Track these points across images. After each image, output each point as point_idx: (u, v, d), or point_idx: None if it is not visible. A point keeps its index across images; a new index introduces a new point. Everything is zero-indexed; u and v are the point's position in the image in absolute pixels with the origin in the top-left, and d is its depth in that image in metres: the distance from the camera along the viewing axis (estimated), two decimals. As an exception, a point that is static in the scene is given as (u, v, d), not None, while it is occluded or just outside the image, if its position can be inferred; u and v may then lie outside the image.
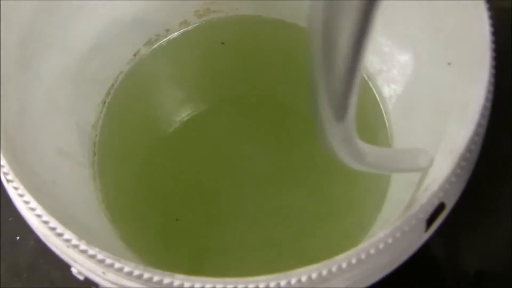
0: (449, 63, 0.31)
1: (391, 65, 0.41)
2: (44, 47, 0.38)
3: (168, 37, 0.47)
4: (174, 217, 0.42)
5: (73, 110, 0.41)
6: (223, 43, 0.47)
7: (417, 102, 0.37)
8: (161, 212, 0.42)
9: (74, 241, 0.25)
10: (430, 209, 0.26)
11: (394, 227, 0.25)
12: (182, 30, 0.47)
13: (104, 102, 0.44)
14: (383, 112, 0.43)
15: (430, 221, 0.27)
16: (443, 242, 0.40)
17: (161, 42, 0.47)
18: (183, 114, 0.46)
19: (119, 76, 0.45)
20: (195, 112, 0.46)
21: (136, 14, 0.44)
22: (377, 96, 0.44)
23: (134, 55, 0.46)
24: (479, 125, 0.26)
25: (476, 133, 0.26)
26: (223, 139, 0.44)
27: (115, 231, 0.40)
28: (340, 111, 0.23)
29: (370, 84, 0.44)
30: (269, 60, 0.47)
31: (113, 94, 0.45)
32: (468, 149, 0.26)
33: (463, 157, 0.26)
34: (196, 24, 0.48)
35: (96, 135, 0.43)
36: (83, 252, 0.24)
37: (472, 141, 0.26)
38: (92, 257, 0.24)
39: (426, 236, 0.27)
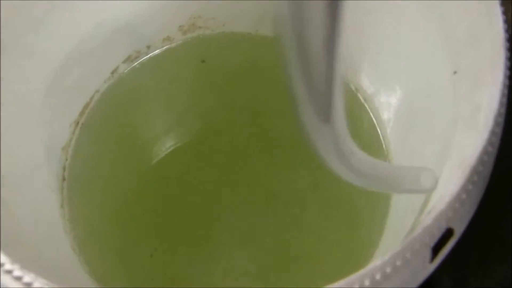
0: (455, 72, 0.28)
1: (390, 84, 0.38)
2: (10, 54, 0.34)
3: (149, 54, 0.44)
4: (149, 253, 0.38)
5: (42, 127, 0.37)
6: (203, 61, 0.44)
7: (418, 119, 0.34)
8: (135, 245, 0.38)
9: (8, 266, 0.21)
10: (436, 233, 0.22)
11: (393, 253, 0.21)
12: (165, 47, 0.44)
13: (77, 123, 0.41)
14: (381, 137, 0.40)
15: (436, 248, 0.22)
16: (451, 278, 0.36)
17: (141, 59, 0.44)
18: (165, 140, 0.42)
19: (95, 95, 0.42)
20: (179, 138, 0.42)
21: (115, 27, 0.41)
22: (374, 119, 0.40)
23: (112, 72, 0.42)
24: (492, 133, 0.22)
25: (489, 142, 0.22)
26: (209, 167, 0.41)
27: (83, 265, 0.36)
28: (325, 108, 0.19)
29: (367, 107, 0.41)
30: (260, 79, 0.43)
31: (87, 115, 0.41)
32: (480, 161, 0.22)
33: (475, 170, 0.22)
34: (180, 42, 0.44)
35: (66, 158, 0.40)
36: (18, 279, 0.20)
37: (485, 152, 0.22)
38: (28, 285, 0.20)
39: (431, 267, 0.23)
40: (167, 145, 0.42)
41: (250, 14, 0.43)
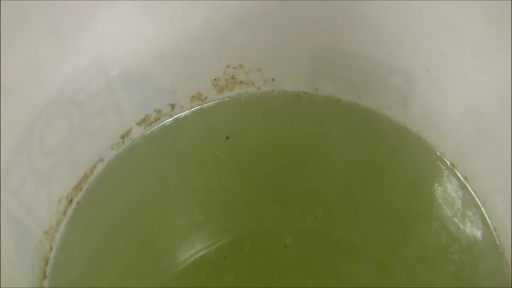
0: None
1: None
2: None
3: (173, 116, 0.37)
4: None
5: (14, 198, 0.29)
6: (228, 137, 0.36)
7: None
8: None
9: None
10: None
11: None
12: (194, 109, 0.37)
13: (71, 200, 0.34)
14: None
15: None
16: None
17: (163, 122, 0.37)
18: (184, 239, 0.34)
19: (97, 165, 0.35)
20: (202, 237, 0.34)
21: (129, 76, 0.34)
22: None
23: (122, 137, 0.35)
24: None
25: None
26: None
27: None
28: None
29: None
30: (318, 166, 0.36)
31: (86, 191, 0.35)
32: None
33: None
34: (215, 101, 0.37)
35: (51, 248, 0.32)
36: None
37: None
38: None
39: None
40: (187, 247, 0.34)
41: (310, 65, 0.36)
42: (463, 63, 0.32)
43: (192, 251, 0.33)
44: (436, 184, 0.34)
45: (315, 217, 0.34)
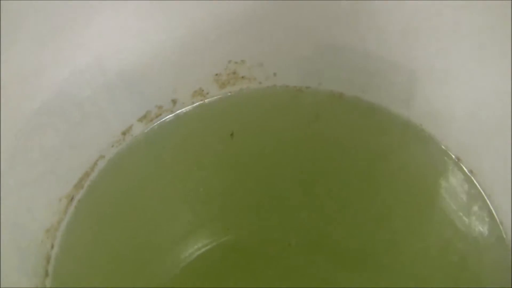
0: None
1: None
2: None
3: (174, 112, 0.36)
4: None
5: (14, 196, 0.29)
6: (232, 134, 0.36)
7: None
8: None
9: None
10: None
11: None
12: (195, 104, 0.37)
13: (72, 198, 0.33)
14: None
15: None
16: None
17: (163, 118, 0.36)
18: (185, 236, 0.34)
19: (98, 162, 0.34)
20: (203, 235, 0.34)
21: (129, 73, 0.33)
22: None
23: (123, 133, 0.35)
24: None
25: None
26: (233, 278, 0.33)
27: None
28: None
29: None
30: (319, 164, 0.35)
31: (87, 189, 0.34)
32: None
33: None
34: (217, 97, 0.37)
35: (52, 246, 0.32)
36: None
37: None
38: None
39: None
40: (186, 246, 0.33)
41: (312, 60, 0.36)
42: (466, 62, 0.32)
43: (193, 249, 0.33)
44: (442, 178, 0.34)
45: (317, 214, 0.33)
